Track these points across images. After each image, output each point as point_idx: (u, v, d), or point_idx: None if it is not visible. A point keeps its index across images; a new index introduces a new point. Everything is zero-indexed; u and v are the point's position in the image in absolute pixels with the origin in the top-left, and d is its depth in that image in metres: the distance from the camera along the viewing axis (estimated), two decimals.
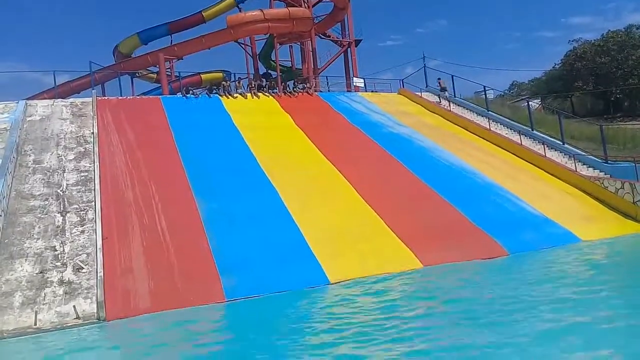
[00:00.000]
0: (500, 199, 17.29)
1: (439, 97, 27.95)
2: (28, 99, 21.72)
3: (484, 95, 28.19)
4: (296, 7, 28.48)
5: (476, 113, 25.73)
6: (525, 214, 16.54)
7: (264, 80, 27.84)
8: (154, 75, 32.08)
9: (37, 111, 18.94)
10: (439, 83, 28.87)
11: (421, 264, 13.40)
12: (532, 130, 23.29)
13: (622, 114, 46.71)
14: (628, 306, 8.88)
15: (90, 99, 20.39)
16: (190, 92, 23.56)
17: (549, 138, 22.45)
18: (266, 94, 24.71)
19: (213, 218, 14.38)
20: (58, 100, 20.41)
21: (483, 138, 23.23)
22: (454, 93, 28.01)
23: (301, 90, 25.99)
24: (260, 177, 17.01)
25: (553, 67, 57.17)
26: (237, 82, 25.49)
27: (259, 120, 21.75)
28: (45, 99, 22.63)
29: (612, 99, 47.96)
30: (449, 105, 26.80)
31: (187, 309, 11.06)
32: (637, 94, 46.59)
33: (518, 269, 12.86)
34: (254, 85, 25.30)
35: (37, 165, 15.59)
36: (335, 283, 12.35)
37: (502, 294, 10.36)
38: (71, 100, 21.13)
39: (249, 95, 24.18)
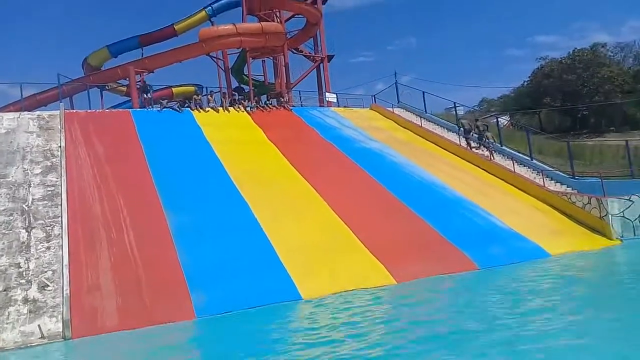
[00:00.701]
0: (470, 213, 17.44)
1: (466, 142, 24.08)
2: None
3: (454, 111, 28.52)
4: (269, 22, 28.58)
5: (447, 129, 26.04)
6: (495, 228, 16.71)
7: (235, 94, 27.75)
8: (124, 88, 31.73)
9: (2, 124, 18.46)
10: (462, 124, 25.08)
11: (394, 280, 13.37)
12: (501, 145, 23.65)
13: (588, 130, 47.82)
14: (592, 319, 9.00)
15: (57, 112, 20.00)
16: (165, 102, 23.32)
17: (518, 154, 22.83)
18: (238, 108, 24.62)
19: (183, 232, 14.15)
20: (24, 113, 19.93)
21: (453, 153, 23.48)
22: (425, 109, 28.27)
23: (276, 105, 25.98)
24: (231, 191, 16.86)
25: (521, 84, 58.36)
26: (209, 96, 25.37)
27: (231, 134, 21.62)
28: (11, 111, 22.12)
29: (579, 115, 49.07)
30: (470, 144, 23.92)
31: (155, 327, 10.81)
32: (602, 111, 47.77)
33: (491, 284, 12.95)
34: (231, 99, 25.28)
35: (1, 180, 15.16)
36: (308, 300, 12.23)
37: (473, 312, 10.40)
38: (38, 113, 20.67)
39: (220, 109, 24.07)
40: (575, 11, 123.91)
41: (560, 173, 20.92)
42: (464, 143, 23.96)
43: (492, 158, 22.72)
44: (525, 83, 56.27)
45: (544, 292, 11.51)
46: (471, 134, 24.39)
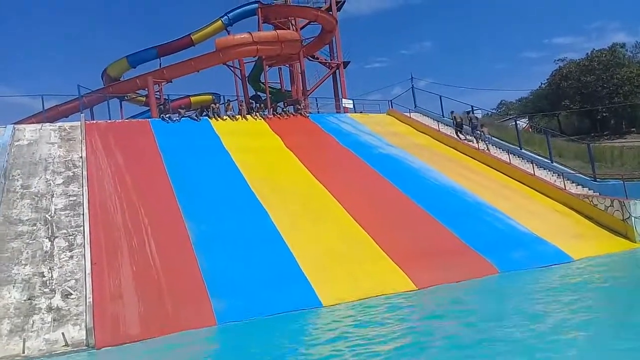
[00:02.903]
0: (490, 217, 17.32)
1: (456, 134, 25.40)
2: (16, 123, 21.59)
3: (472, 115, 28.26)
4: (284, 30, 28.73)
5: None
6: (515, 232, 16.57)
7: (253, 102, 27.91)
8: (143, 99, 32.06)
9: (25, 135, 18.82)
10: (454, 117, 26.10)
11: (415, 286, 13.31)
12: (521, 149, 23.48)
13: (608, 132, 47.31)
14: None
15: (78, 123, 20.31)
16: (183, 112, 23.43)
17: (538, 157, 22.62)
18: (255, 116, 24.76)
19: (203, 241, 14.24)
20: (46, 125, 20.31)
21: (472, 157, 23.34)
22: (442, 113, 28.13)
23: (293, 113, 26.09)
24: (250, 199, 16.93)
25: (539, 87, 57.91)
26: (226, 104, 25.54)
27: (249, 142, 21.74)
28: (33, 123, 22.50)
29: (599, 117, 48.56)
30: (463, 137, 25.24)
31: (177, 334, 10.88)
32: (622, 112, 47.23)
33: (511, 289, 12.82)
34: (249, 107, 25.45)
35: (25, 190, 15.43)
36: (328, 306, 12.21)
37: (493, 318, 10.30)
38: (59, 124, 21.01)
39: (238, 117, 24.22)
40: (593, 12, 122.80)
41: (581, 175, 20.68)
42: (456, 135, 25.33)
43: (487, 149, 23.70)
44: (543, 85, 55.83)
45: (571, 295, 11.37)
46: (463, 127, 25.56)
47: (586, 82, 47.61)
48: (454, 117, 26.05)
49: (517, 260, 14.85)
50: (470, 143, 24.61)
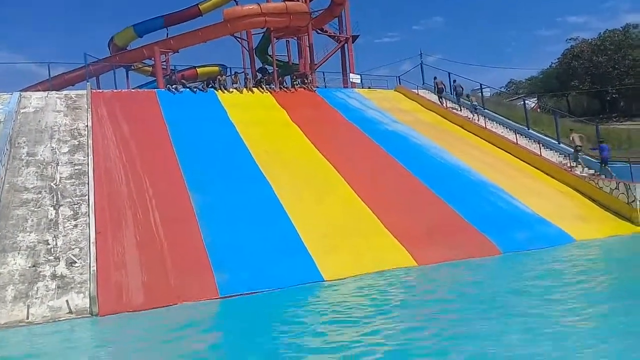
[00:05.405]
0: (494, 197, 17.30)
1: (439, 99, 27.10)
2: (22, 90, 21.58)
3: (480, 94, 28.12)
4: (293, 1, 28.37)
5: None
6: (519, 212, 16.55)
7: (259, 74, 27.74)
8: (149, 69, 31.93)
9: (31, 103, 18.81)
10: (436, 83, 27.91)
11: (416, 262, 13.38)
12: (528, 129, 23.35)
13: (617, 113, 46.88)
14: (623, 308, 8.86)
15: (84, 92, 20.26)
16: (181, 84, 23.27)
17: (545, 137, 22.51)
18: (262, 88, 24.63)
19: (207, 213, 14.30)
20: (52, 93, 20.28)
21: (479, 136, 23.23)
22: (451, 91, 27.92)
23: (301, 86, 25.94)
24: (254, 172, 16.95)
25: (550, 66, 57.27)
26: (233, 76, 25.39)
27: (255, 115, 21.66)
28: (39, 90, 22.48)
29: (608, 98, 48.12)
30: (446, 103, 26.64)
31: (180, 305, 11.01)
32: (633, 94, 46.73)
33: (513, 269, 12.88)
34: (256, 79, 25.34)
35: (30, 158, 15.48)
36: (329, 281, 12.31)
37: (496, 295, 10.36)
38: (65, 92, 20.99)
39: (244, 89, 24.11)
40: None
41: (588, 157, 20.57)
42: (447, 103, 26.59)
43: (474, 118, 24.75)
44: (554, 64, 55.20)
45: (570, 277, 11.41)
46: (443, 93, 27.22)
47: (597, 63, 47.03)
48: (436, 83, 27.75)
49: (519, 241, 14.88)
50: (455, 110, 26.00)
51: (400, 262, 13.38)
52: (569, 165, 20.01)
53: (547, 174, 19.87)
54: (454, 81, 27.98)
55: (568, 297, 9.63)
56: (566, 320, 8.28)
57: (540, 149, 21.21)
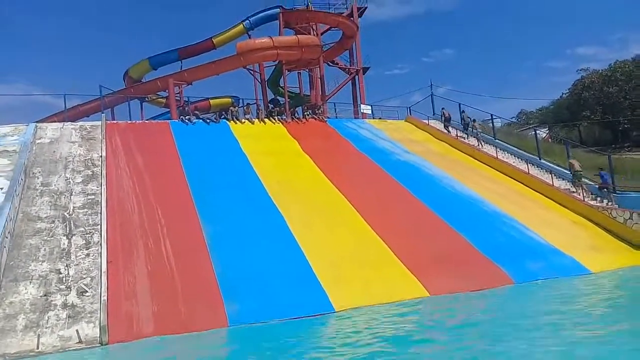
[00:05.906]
0: (507, 227, 17.18)
1: (446, 128, 27.83)
2: (38, 121, 21.92)
3: (491, 124, 28.18)
4: (305, 34, 28.79)
5: (483, 141, 25.76)
6: (532, 242, 16.41)
7: (271, 105, 28.01)
8: (164, 100, 32.32)
9: (46, 134, 19.10)
10: (443, 113, 28.69)
11: (428, 293, 13.25)
12: (540, 159, 23.28)
13: (630, 143, 46.62)
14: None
15: (99, 123, 20.57)
16: (194, 115, 23.54)
17: (557, 167, 22.41)
18: (274, 119, 24.85)
19: (218, 242, 14.32)
20: (67, 124, 20.59)
21: (490, 166, 23.19)
22: (461, 121, 28.01)
23: (313, 116, 26.16)
24: (266, 202, 16.99)
25: (561, 96, 57.33)
26: (245, 108, 25.66)
27: (267, 146, 21.82)
28: (55, 121, 22.81)
29: (620, 128, 47.94)
30: (456, 132, 26.79)
31: (190, 334, 10.95)
32: None
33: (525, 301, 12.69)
34: (267, 110, 25.61)
35: (44, 188, 15.66)
36: (340, 311, 12.19)
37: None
38: (80, 123, 21.30)
39: (256, 120, 24.34)
40: (616, 22, 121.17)
41: (587, 181, 20.47)
42: (453, 132, 27.28)
43: (479, 145, 25.29)
44: (565, 95, 55.26)
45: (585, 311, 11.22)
46: (451, 121, 28.15)
47: (608, 93, 47.06)
48: (443, 112, 28.70)
49: (533, 271, 14.72)
50: (463, 139, 26.36)
51: (412, 292, 13.25)
52: (581, 194, 19.89)
53: (559, 203, 19.74)
54: (463, 111, 28.54)
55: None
56: None
57: (552, 178, 21.10)
